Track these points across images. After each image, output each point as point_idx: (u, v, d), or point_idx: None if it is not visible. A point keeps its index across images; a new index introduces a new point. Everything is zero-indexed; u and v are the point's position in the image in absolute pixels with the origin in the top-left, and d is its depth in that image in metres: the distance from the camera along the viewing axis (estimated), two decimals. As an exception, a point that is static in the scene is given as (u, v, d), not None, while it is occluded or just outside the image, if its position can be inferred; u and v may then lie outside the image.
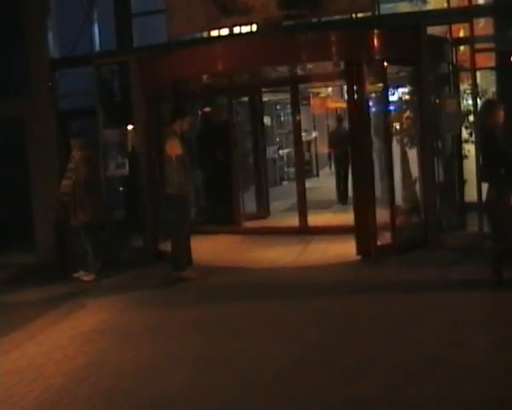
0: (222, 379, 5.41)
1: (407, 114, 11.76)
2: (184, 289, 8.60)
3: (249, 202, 13.40)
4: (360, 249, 9.24)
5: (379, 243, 9.26)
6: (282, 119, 21.63)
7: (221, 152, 12.35)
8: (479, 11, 10.77)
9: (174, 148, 8.80)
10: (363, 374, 5.26)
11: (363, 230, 9.22)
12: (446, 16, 10.45)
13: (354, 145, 9.59)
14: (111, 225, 10.87)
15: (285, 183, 20.38)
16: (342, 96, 27.87)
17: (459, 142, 10.43)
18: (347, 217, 11.71)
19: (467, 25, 9.93)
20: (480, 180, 8.77)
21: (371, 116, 10.23)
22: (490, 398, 4.67)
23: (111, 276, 9.55)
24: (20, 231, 11.54)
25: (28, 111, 11.30)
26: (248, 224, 12.13)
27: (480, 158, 7.47)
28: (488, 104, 7.88)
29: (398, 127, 12.02)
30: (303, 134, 14.42)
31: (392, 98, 19.22)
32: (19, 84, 11.71)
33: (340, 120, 17.24)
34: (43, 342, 6.76)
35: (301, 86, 12.82)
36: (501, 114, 7.30)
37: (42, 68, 11.31)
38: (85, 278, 9.39)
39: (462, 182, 10.53)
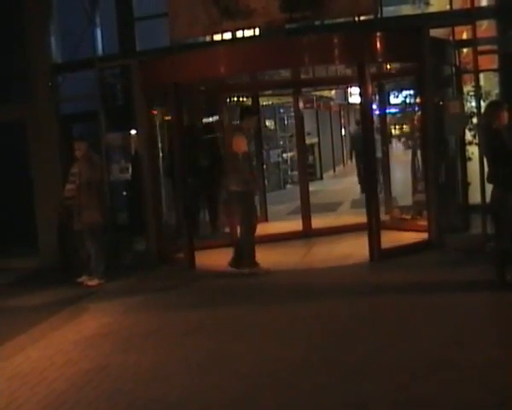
0: (224, 381, 5.40)
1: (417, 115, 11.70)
2: (187, 292, 8.60)
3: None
4: (369, 251, 9.19)
5: (383, 244, 9.24)
6: (286, 122, 21.64)
7: (209, 156, 12.16)
8: (481, 13, 10.76)
9: (241, 145, 8.95)
10: (364, 374, 5.25)
11: (370, 231, 9.20)
12: (449, 18, 10.46)
13: (364, 146, 9.63)
14: (114, 229, 10.86)
15: (289, 186, 20.40)
16: (345, 98, 28.03)
17: (463, 144, 10.40)
18: (351, 219, 11.73)
19: (470, 27, 9.93)
20: (484, 182, 8.75)
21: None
22: (492, 399, 4.64)
23: (114, 279, 9.53)
24: (22, 234, 11.53)
25: (30, 114, 11.31)
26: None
27: (485, 159, 7.43)
28: (493, 105, 7.83)
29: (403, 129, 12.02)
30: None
31: (396, 100, 19.32)
32: (20, 88, 11.72)
33: (358, 122, 18.10)
34: (46, 347, 6.75)
35: (304, 89, 12.79)
36: (506, 115, 7.28)
37: (43, 72, 11.32)
38: (89, 283, 9.36)
39: (466, 184, 10.51)
